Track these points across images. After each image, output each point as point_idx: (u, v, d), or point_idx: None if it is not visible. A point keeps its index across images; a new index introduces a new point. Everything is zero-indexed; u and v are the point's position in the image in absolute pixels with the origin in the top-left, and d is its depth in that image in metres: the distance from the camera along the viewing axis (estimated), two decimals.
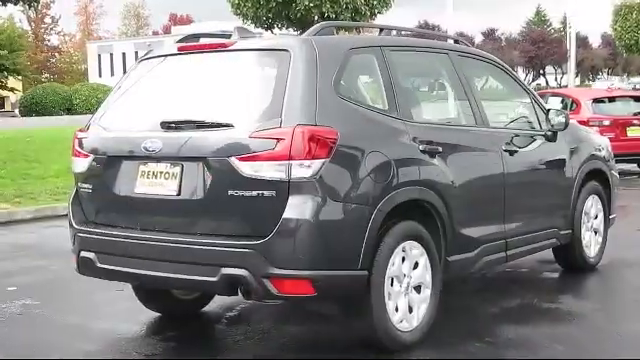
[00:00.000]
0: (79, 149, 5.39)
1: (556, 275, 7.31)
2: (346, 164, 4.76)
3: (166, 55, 5.49)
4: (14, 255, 8.81)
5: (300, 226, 4.55)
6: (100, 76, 78.50)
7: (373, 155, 4.90)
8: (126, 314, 6.18)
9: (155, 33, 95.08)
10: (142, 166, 5.02)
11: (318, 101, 4.72)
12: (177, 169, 4.89)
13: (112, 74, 77.25)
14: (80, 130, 5.50)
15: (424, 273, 5.23)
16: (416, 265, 5.18)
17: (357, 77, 5.34)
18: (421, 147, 5.24)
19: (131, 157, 5.09)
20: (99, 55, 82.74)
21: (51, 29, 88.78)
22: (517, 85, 6.78)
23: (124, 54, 79.24)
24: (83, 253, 5.26)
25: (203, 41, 5.55)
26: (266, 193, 4.58)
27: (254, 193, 4.60)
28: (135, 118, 5.31)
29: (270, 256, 4.56)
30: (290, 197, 4.56)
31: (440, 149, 5.36)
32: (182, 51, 5.36)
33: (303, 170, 4.56)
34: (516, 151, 6.13)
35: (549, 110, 6.73)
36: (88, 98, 50.82)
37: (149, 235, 4.95)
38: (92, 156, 5.27)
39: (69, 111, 40.48)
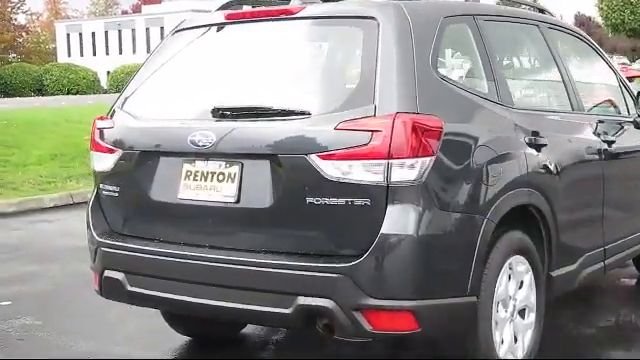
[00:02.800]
0: (101, 142, 4.31)
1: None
2: (453, 163, 3.75)
3: (210, 25, 4.39)
4: (1, 258, 7.66)
5: (403, 243, 3.54)
6: (69, 56, 76.54)
7: (481, 151, 3.89)
8: (147, 337, 5.18)
9: (124, 12, 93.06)
10: (187, 165, 3.96)
11: (417, 83, 3.69)
12: (235, 169, 3.83)
13: (82, 54, 75.46)
14: (100, 118, 4.42)
15: (529, 294, 4.27)
16: (521, 284, 4.20)
17: (453, 53, 4.29)
18: (527, 139, 4.25)
19: (172, 153, 4.03)
20: (68, 35, 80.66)
21: (18, 8, 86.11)
22: (604, 64, 5.78)
23: (94, 34, 77.41)
24: (108, 273, 4.19)
25: (246, 8, 4.50)
26: (357, 201, 3.55)
27: (341, 201, 3.57)
28: (175, 104, 4.23)
29: (363, 282, 3.54)
30: (389, 206, 3.54)
31: (546, 141, 4.37)
32: (232, 20, 4.26)
33: (405, 171, 3.54)
34: (613, 141, 5.15)
35: (639, 94, 5.77)
36: (59, 79, 49.18)
37: (196, 253, 3.90)
38: (119, 151, 4.19)
39: (39, 92, 38.94)
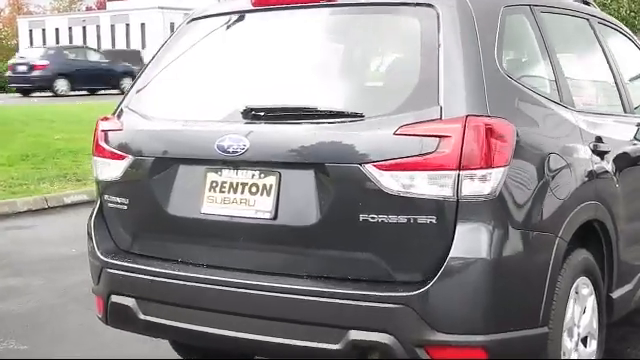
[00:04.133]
0: (106, 146, 3.73)
1: None
2: (524, 174, 3.24)
3: (233, 12, 3.82)
4: None
5: (476, 269, 3.02)
6: None
7: (552, 159, 3.41)
8: None
9: (89, 8, 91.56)
10: (212, 174, 3.40)
11: (486, 81, 3.17)
12: (271, 180, 3.28)
13: None
14: (105, 118, 3.84)
15: (592, 319, 3.80)
16: (584, 309, 3.71)
17: (514, 47, 3.77)
18: (591, 145, 3.77)
19: (194, 161, 3.47)
20: (30, 31, 79.00)
21: None
22: None
23: (57, 30, 75.93)
24: (116, 298, 3.62)
25: None
26: (421, 219, 3.03)
27: (401, 219, 3.04)
28: (197, 102, 3.67)
29: (429, 314, 3.02)
30: (459, 225, 3.02)
31: (609, 147, 3.90)
32: (261, 6, 3.70)
33: (478, 184, 3.02)
34: None
35: None
36: None
37: (224, 277, 3.34)
38: (129, 157, 3.61)
39: (2, 89, 37.81)
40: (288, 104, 3.35)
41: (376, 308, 3.05)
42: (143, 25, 69.94)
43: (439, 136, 3.01)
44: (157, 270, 3.49)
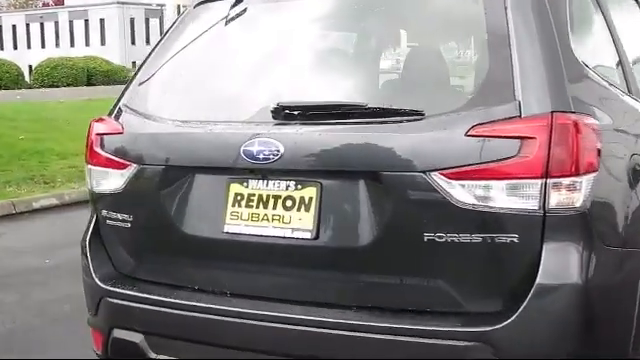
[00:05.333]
0: (103, 152, 3.15)
1: None
2: (611, 180, 2.73)
3: None
4: None
5: (568, 297, 2.51)
6: None
7: (634, 161, 2.89)
8: None
9: (45, 5, 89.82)
10: (236, 185, 2.84)
11: (565, 70, 2.65)
12: (310, 192, 2.73)
13: (2, 48, 72.29)
14: (100, 120, 3.25)
15: None
16: None
17: (583, 29, 3.24)
18: None
19: (214, 169, 2.90)
20: None
21: None
22: None
23: (14, 26, 74.34)
24: (119, 333, 3.06)
25: None
26: (499, 238, 2.50)
27: (475, 238, 2.51)
28: (213, 99, 3.10)
29: (510, 352, 2.50)
30: (545, 244, 2.50)
31: None
32: None
33: (567, 195, 2.50)
34: None
35: None
36: None
37: (253, 309, 2.79)
38: (133, 166, 3.04)
39: None
40: (328, 100, 2.80)
41: (443, 347, 2.53)
42: (102, 21, 68.82)
43: (521, 137, 2.49)
44: (170, 300, 2.92)
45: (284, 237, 2.75)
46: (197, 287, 2.94)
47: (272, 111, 2.79)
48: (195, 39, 3.23)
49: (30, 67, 52.70)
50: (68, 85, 40.16)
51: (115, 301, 3.06)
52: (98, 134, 3.19)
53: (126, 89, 3.30)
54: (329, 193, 2.71)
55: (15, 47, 72.52)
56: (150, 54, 3.33)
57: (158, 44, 3.35)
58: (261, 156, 2.72)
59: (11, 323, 5.31)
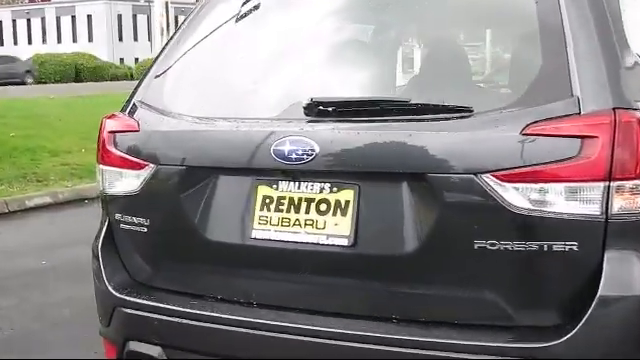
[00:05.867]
0: (117, 152, 2.93)
1: None
2: None
3: None
4: None
5: (634, 310, 2.30)
6: None
7: None
8: None
9: (32, 0, 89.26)
10: (265, 188, 2.63)
11: (623, 63, 2.46)
12: (348, 195, 2.52)
13: None
14: (112, 116, 3.03)
15: None
16: None
17: (635, 19, 3.04)
18: None
19: (240, 170, 2.69)
20: None
21: None
22: None
23: (0, 22, 73.84)
24: (135, 346, 2.84)
25: None
26: (557, 245, 2.31)
27: (531, 245, 2.32)
28: (237, 94, 2.88)
29: None
30: (607, 252, 2.31)
31: None
32: None
33: (631, 198, 2.31)
34: None
35: None
36: None
37: (284, 321, 2.58)
38: (151, 166, 2.82)
39: None
40: (366, 96, 2.59)
41: None
42: (90, 17, 68.45)
43: (582, 136, 2.29)
44: (191, 311, 2.71)
45: (318, 244, 2.54)
46: (220, 297, 2.73)
47: (304, 107, 2.58)
48: (216, 29, 3.02)
49: None
50: (56, 81, 39.91)
51: (131, 311, 2.85)
52: (111, 132, 2.97)
53: (140, 83, 3.08)
54: (368, 196, 2.50)
55: (1, 43, 72.06)
56: (166, 45, 3.12)
57: (175, 35, 3.13)
58: (294, 156, 2.51)
59: (9, 329, 5.09)
